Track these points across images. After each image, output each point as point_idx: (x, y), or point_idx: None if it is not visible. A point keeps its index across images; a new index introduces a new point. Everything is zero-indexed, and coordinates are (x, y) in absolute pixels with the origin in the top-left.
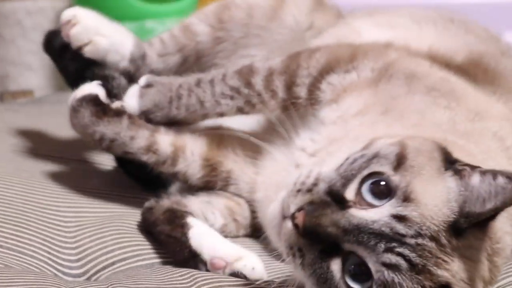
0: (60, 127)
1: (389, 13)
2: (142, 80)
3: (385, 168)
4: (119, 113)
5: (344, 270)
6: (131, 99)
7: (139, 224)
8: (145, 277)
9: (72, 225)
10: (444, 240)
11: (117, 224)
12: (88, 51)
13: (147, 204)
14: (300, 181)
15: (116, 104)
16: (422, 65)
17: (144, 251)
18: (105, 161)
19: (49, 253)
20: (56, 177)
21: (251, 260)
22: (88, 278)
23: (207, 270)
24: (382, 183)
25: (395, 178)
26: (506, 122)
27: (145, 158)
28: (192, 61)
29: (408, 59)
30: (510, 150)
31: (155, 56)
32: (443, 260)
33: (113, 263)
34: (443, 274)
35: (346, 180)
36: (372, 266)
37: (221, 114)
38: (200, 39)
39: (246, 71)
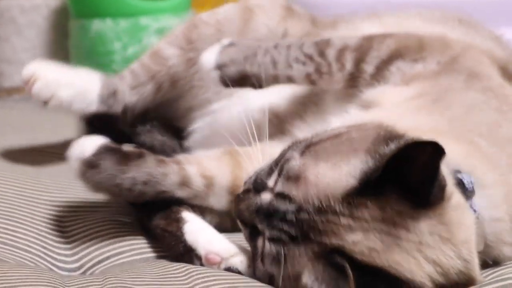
0: (53, 123)
1: (396, 15)
2: (225, 40)
3: (295, 153)
4: (140, 154)
5: (264, 247)
6: (210, 54)
7: (135, 219)
8: (140, 271)
9: (67, 219)
10: (339, 211)
11: (112, 219)
12: (52, 106)
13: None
14: (249, 175)
15: (127, 148)
16: (484, 64)
17: (139, 246)
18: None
19: (44, 247)
20: (50, 173)
21: (247, 257)
22: (83, 273)
23: (202, 265)
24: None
25: (293, 161)
26: None
27: (179, 193)
28: (167, 87)
29: (473, 53)
30: None
31: (127, 90)
32: (333, 231)
33: (108, 258)
34: (332, 241)
35: (271, 169)
36: (266, 243)
37: (290, 79)
38: (171, 63)
39: (323, 43)
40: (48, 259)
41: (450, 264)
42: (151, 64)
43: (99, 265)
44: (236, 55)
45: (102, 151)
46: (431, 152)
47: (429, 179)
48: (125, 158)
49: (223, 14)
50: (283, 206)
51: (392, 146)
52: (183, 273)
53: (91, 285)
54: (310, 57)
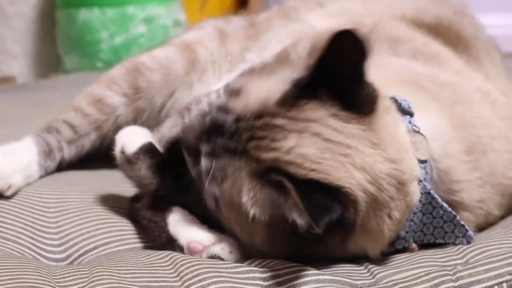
0: (41, 113)
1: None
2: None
3: (239, 76)
4: (175, 164)
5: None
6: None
7: (123, 208)
8: (126, 259)
9: (54, 210)
10: (275, 112)
11: (99, 209)
12: (11, 193)
13: (135, 194)
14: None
15: (164, 154)
16: (400, 28)
17: (126, 236)
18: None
19: (31, 238)
20: None
21: (228, 244)
22: (71, 262)
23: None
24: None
25: (238, 80)
26: (487, 82)
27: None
28: (111, 136)
29: (387, 22)
30: (495, 103)
31: (65, 145)
32: (271, 139)
33: (95, 247)
34: (267, 156)
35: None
36: (202, 158)
37: None
38: (119, 112)
39: (245, 72)
40: (36, 249)
41: (378, 169)
42: (95, 114)
43: (87, 255)
44: (172, 121)
45: (142, 152)
46: (353, 44)
47: (356, 77)
48: (159, 167)
49: (164, 58)
50: (222, 117)
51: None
52: (169, 262)
53: (78, 275)
54: None
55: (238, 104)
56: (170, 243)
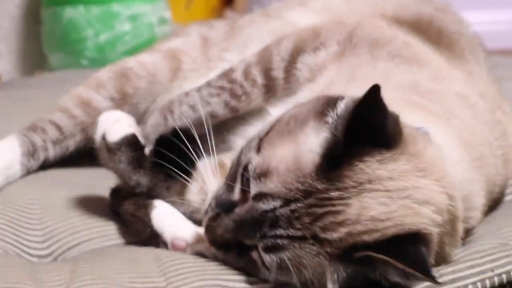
0: (27, 111)
1: None
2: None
3: (250, 155)
4: (155, 162)
5: (261, 260)
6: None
7: (107, 205)
8: (110, 256)
9: (37, 207)
10: (323, 188)
11: (83, 205)
12: None
13: (115, 185)
14: (205, 204)
15: (147, 151)
16: (382, 28)
17: (110, 232)
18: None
19: (15, 234)
20: None
21: None
22: (55, 259)
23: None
24: (247, 172)
25: (254, 161)
26: (466, 84)
27: (180, 209)
28: None
29: (368, 22)
30: (474, 108)
31: (50, 145)
32: (334, 212)
33: (79, 244)
34: (339, 235)
35: (230, 185)
36: (261, 254)
37: (213, 115)
38: None
39: (226, 72)
40: (19, 246)
41: (439, 199)
42: (82, 116)
43: (70, 251)
44: (156, 121)
45: (124, 143)
46: (373, 95)
47: (382, 116)
48: (139, 163)
49: (152, 65)
50: (267, 205)
51: (344, 110)
52: (152, 258)
53: (62, 271)
54: (221, 87)
55: (274, 186)
56: (154, 238)
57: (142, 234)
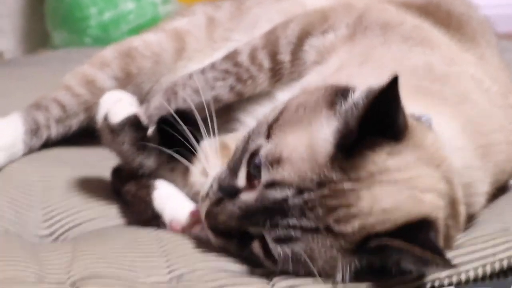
0: (29, 89)
1: None
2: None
3: (259, 141)
4: (159, 143)
5: (265, 249)
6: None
7: (109, 185)
8: (111, 236)
9: (39, 186)
10: (337, 178)
11: (85, 185)
12: None
13: (117, 165)
14: (205, 187)
15: (150, 131)
16: (391, 11)
17: (111, 212)
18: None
19: (16, 213)
20: None
21: None
22: (56, 239)
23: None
24: (257, 159)
25: (265, 147)
26: (478, 67)
27: (183, 191)
28: None
29: (377, 5)
30: (489, 92)
31: (53, 123)
32: (347, 205)
33: (80, 224)
34: (352, 228)
35: (234, 170)
36: (270, 244)
37: (217, 99)
38: None
39: (231, 54)
40: (21, 225)
41: (440, 186)
42: (86, 95)
43: (71, 231)
44: (159, 102)
45: (127, 124)
46: (392, 87)
47: (397, 110)
48: (143, 141)
49: (157, 45)
50: (279, 194)
51: (360, 99)
52: (154, 238)
53: (63, 251)
54: (226, 71)
55: (287, 174)
56: (155, 219)
57: (143, 215)
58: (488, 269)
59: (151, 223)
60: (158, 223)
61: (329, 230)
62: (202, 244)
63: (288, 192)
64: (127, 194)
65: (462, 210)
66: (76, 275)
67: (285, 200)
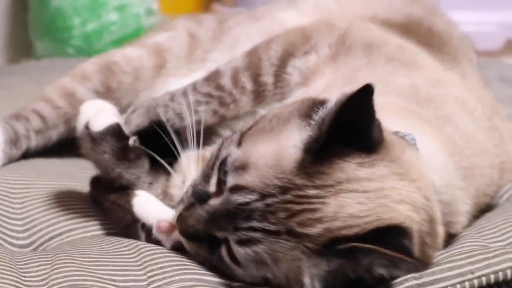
0: (11, 98)
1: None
2: (130, 109)
3: (230, 149)
4: (140, 155)
5: (230, 255)
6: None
7: (88, 195)
8: (90, 247)
9: (19, 196)
10: (302, 184)
11: (65, 196)
12: None
13: (96, 174)
14: (182, 193)
15: (132, 141)
16: (373, 30)
17: (91, 223)
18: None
19: None
20: None
21: None
22: (35, 249)
23: (148, 237)
24: (226, 165)
25: (234, 154)
26: (463, 87)
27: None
28: None
29: (359, 24)
30: (473, 114)
31: (32, 134)
32: (311, 210)
33: (60, 234)
34: (318, 231)
35: (207, 176)
36: (234, 247)
37: (199, 123)
38: None
39: (213, 76)
40: (0, 234)
41: (415, 199)
42: (66, 107)
43: (51, 242)
44: (140, 121)
45: (109, 133)
46: (364, 95)
47: (369, 120)
48: (123, 155)
49: (137, 61)
50: (242, 198)
51: (331, 107)
52: (133, 250)
53: (42, 262)
54: (209, 95)
55: (251, 180)
56: (133, 225)
57: (122, 221)
58: (467, 286)
59: (129, 229)
60: (136, 228)
61: (291, 233)
62: (181, 256)
63: (251, 197)
64: (106, 201)
65: (440, 230)
66: (55, 286)
67: (247, 204)
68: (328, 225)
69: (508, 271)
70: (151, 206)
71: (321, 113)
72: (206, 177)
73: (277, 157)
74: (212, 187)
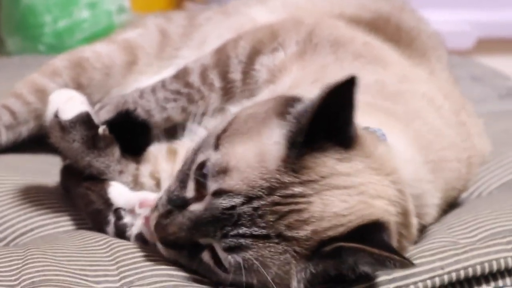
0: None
1: None
2: (98, 105)
3: (207, 153)
4: (110, 143)
5: (215, 259)
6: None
7: (60, 190)
8: (62, 242)
9: None
10: (289, 181)
11: (36, 191)
12: None
13: (66, 163)
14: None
15: (102, 130)
16: (341, 27)
17: (62, 218)
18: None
19: None
20: None
21: None
22: (6, 244)
23: (117, 223)
24: (206, 169)
25: (213, 158)
26: (431, 84)
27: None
28: None
29: (326, 22)
30: (441, 110)
31: (3, 130)
32: (298, 210)
33: (31, 229)
34: (305, 233)
35: (183, 181)
36: (221, 254)
37: (168, 119)
38: None
39: (182, 73)
40: None
41: (390, 192)
42: (36, 103)
43: (22, 237)
44: (108, 116)
45: (79, 121)
46: (348, 87)
47: (349, 114)
48: (94, 143)
49: (108, 57)
50: (227, 202)
51: (313, 99)
52: (104, 245)
53: (13, 257)
54: (177, 92)
55: (234, 183)
56: (104, 210)
57: (92, 205)
58: (437, 282)
59: (100, 213)
60: (107, 213)
61: (281, 236)
62: (152, 251)
63: (236, 201)
64: (79, 187)
65: (414, 221)
66: (26, 281)
67: (233, 209)
68: (315, 226)
69: (478, 267)
70: (127, 192)
71: (299, 107)
72: (181, 182)
73: (260, 158)
74: (190, 192)
